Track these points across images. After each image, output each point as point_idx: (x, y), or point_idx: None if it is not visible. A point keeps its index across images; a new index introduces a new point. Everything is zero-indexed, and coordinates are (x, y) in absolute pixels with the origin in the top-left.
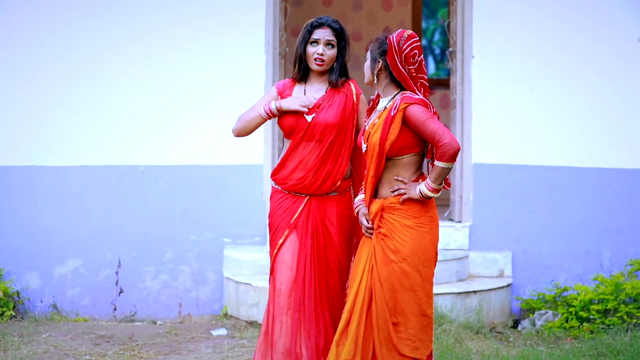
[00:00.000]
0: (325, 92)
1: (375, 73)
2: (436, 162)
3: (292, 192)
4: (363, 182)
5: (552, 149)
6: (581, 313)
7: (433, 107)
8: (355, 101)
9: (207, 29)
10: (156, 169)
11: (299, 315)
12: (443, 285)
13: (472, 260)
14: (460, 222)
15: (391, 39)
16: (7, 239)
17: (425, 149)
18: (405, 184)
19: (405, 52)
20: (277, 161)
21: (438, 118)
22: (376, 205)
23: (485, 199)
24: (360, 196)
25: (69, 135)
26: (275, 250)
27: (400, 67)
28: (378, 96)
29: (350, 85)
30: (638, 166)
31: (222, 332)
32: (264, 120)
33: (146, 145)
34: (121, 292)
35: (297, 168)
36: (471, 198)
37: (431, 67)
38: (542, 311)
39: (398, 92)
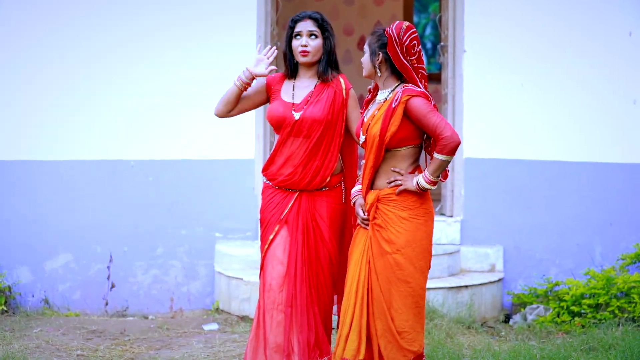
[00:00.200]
0: (314, 87)
1: (377, 66)
2: (436, 155)
3: (282, 187)
4: (360, 173)
5: (544, 144)
6: (573, 307)
7: (433, 100)
8: (344, 96)
9: (197, 25)
10: (147, 163)
11: (291, 310)
12: (434, 280)
13: (463, 254)
14: (451, 216)
15: (390, 31)
16: None
17: (423, 141)
18: (402, 175)
19: (406, 43)
20: (268, 156)
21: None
22: (372, 196)
23: (476, 193)
24: (357, 187)
25: (60, 130)
26: (266, 246)
27: (402, 59)
28: (376, 88)
29: (339, 80)
30: (630, 160)
31: (214, 326)
32: (240, 91)
33: (137, 140)
34: (112, 286)
35: (286, 164)
36: (462, 193)
37: (424, 62)
38: (534, 306)
39: (398, 84)
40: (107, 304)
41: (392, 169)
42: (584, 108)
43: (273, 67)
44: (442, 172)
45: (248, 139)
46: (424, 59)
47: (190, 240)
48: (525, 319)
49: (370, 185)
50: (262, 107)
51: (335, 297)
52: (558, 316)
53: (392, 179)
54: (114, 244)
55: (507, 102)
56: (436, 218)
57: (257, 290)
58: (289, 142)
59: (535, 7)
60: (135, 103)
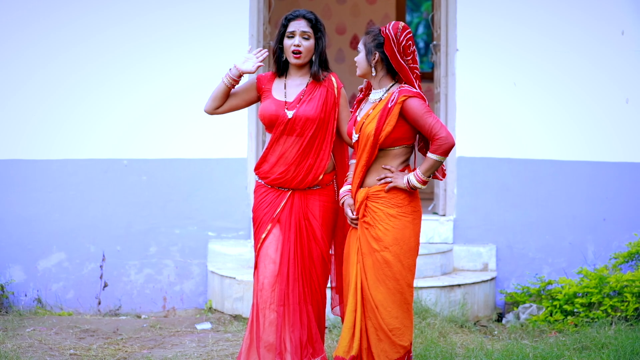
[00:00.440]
0: (306, 86)
1: (373, 65)
2: (430, 154)
3: (275, 186)
4: (350, 173)
5: (537, 143)
6: (565, 306)
7: (426, 100)
8: (336, 95)
9: (189, 25)
10: (140, 162)
11: (283, 309)
12: (427, 278)
13: (456, 253)
14: (444, 215)
15: (387, 31)
16: None
17: (416, 142)
18: (393, 172)
19: (403, 43)
20: (260, 155)
21: None
22: (362, 193)
23: (469, 192)
24: (346, 187)
25: (53, 129)
26: (259, 245)
27: (399, 59)
28: (368, 87)
29: (331, 79)
30: (623, 159)
31: (207, 326)
32: (228, 88)
33: (130, 139)
34: (105, 286)
35: (278, 162)
36: (455, 192)
37: (418, 61)
38: (527, 305)
39: (393, 84)
40: (100, 303)
41: (383, 166)
42: (576, 107)
43: (260, 63)
44: (433, 172)
45: (241, 138)
46: (418, 58)
47: (183, 239)
48: (518, 318)
49: (361, 184)
50: (254, 106)
51: (337, 297)
52: (551, 315)
53: (383, 176)
54: (107, 243)
55: (499, 101)
56: (429, 217)
57: (250, 290)
58: (282, 140)
59: (528, 6)
60: (128, 103)
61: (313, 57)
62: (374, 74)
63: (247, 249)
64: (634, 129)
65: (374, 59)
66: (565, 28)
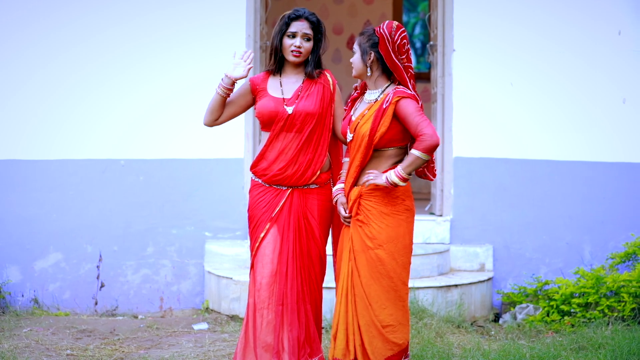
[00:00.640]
0: (302, 83)
1: (368, 65)
2: (412, 151)
3: (274, 184)
4: (343, 172)
5: (534, 143)
6: (562, 307)
7: (421, 100)
8: (332, 90)
9: (186, 25)
10: (137, 163)
11: (282, 308)
12: (424, 279)
13: (453, 254)
14: (441, 215)
15: (381, 30)
16: None
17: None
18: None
19: (397, 42)
20: (257, 154)
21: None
22: (355, 192)
23: (466, 192)
24: (339, 185)
25: (51, 130)
26: (257, 244)
27: (394, 58)
28: (363, 86)
29: (326, 75)
30: (620, 160)
31: (204, 326)
32: (224, 98)
33: (128, 139)
34: (102, 286)
35: (278, 159)
36: (452, 192)
37: (412, 60)
38: (523, 305)
39: (389, 85)
40: (96, 304)
41: (367, 171)
42: (573, 107)
43: (250, 65)
44: (415, 169)
45: (237, 138)
46: (413, 58)
47: (180, 239)
48: (514, 318)
49: (354, 183)
50: None
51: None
52: (548, 315)
53: (366, 178)
54: (104, 244)
55: (496, 101)
56: (426, 217)
57: (247, 290)
58: (281, 136)
59: (525, 7)
60: (125, 103)
61: (309, 57)
62: (369, 74)
63: (244, 249)
64: (630, 129)
65: (370, 58)
66: (562, 28)
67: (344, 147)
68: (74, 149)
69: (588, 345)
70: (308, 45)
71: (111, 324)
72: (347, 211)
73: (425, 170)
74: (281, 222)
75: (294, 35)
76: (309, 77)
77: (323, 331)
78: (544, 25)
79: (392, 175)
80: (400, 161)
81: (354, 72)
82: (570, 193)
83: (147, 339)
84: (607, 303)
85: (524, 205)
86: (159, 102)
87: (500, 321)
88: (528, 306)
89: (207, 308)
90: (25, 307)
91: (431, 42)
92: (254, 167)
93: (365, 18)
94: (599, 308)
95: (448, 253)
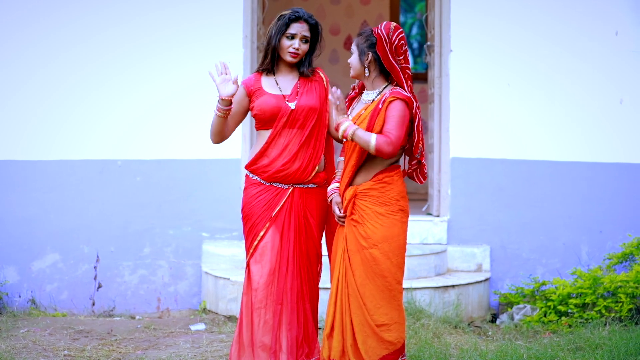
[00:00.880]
0: (299, 80)
1: (366, 65)
2: (372, 134)
3: (275, 181)
4: (338, 171)
5: (531, 143)
6: (559, 307)
7: (417, 102)
8: (326, 87)
9: (184, 26)
10: (134, 163)
11: (281, 308)
12: (421, 279)
13: (450, 254)
14: (438, 216)
15: (379, 31)
16: None
17: (406, 145)
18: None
19: (395, 43)
20: (255, 152)
21: (419, 111)
22: (350, 192)
23: (463, 193)
24: (334, 185)
25: (48, 130)
26: (255, 243)
27: (391, 58)
28: (360, 86)
29: (319, 73)
30: (617, 160)
31: (201, 327)
32: (224, 118)
33: (125, 140)
34: (99, 287)
35: (281, 155)
36: (449, 192)
37: (410, 61)
38: (521, 305)
39: (387, 86)
40: (94, 304)
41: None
42: (571, 107)
43: (234, 77)
44: (358, 142)
45: (234, 138)
46: (410, 58)
47: (177, 240)
48: (512, 318)
49: (350, 182)
50: None
51: None
52: (545, 316)
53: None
54: (101, 244)
55: (493, 101)
56: (423, 218)
57: None
58: (284, 133)
59: (522, 7)
60: (123, 104)
61: (304, 57)
62: (367, 74)
63: (241, 249)
64: (629, 129)
65: (367, 59)
66: (560, 28)
67: (336, 147)
68: (73, 149)
69: (585, 345)
70: (305, 47)
71: (108, 325)
72: (342, 211)
73: (416, 172)
74: (280, 222)
75: (293, 37)
76: (304, 76)
77: (319, 331)
78: (541, 26)
79: (346, 126)
80: (396, 161)
81: (351, 73)
82: (567, 193)
83: (144, 339)
84: (605, 304)
85: (521, 206)
86: (157, 102)
87: (498, 322)
88: (525, 307)
89: (204, 309)
90: (22, 308)
91: (428, 43)
92: (251, 165)
93: (362, 19)
94: (596, 309)
95: (445, 253)
